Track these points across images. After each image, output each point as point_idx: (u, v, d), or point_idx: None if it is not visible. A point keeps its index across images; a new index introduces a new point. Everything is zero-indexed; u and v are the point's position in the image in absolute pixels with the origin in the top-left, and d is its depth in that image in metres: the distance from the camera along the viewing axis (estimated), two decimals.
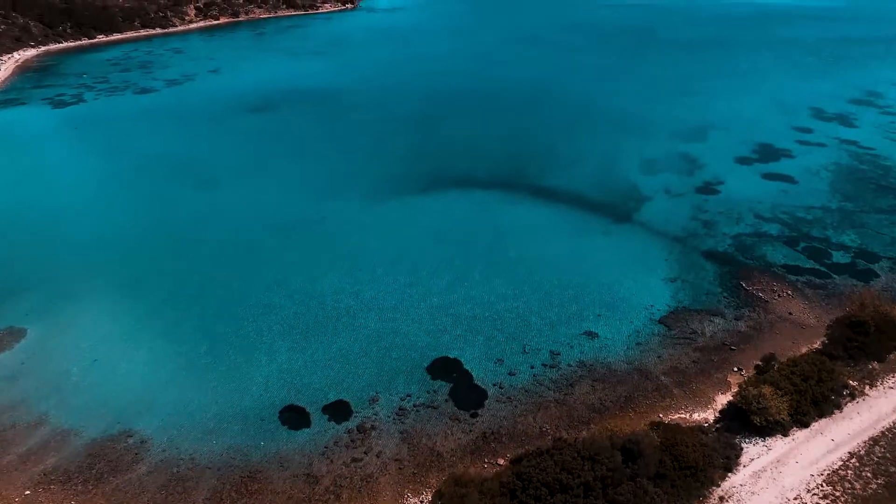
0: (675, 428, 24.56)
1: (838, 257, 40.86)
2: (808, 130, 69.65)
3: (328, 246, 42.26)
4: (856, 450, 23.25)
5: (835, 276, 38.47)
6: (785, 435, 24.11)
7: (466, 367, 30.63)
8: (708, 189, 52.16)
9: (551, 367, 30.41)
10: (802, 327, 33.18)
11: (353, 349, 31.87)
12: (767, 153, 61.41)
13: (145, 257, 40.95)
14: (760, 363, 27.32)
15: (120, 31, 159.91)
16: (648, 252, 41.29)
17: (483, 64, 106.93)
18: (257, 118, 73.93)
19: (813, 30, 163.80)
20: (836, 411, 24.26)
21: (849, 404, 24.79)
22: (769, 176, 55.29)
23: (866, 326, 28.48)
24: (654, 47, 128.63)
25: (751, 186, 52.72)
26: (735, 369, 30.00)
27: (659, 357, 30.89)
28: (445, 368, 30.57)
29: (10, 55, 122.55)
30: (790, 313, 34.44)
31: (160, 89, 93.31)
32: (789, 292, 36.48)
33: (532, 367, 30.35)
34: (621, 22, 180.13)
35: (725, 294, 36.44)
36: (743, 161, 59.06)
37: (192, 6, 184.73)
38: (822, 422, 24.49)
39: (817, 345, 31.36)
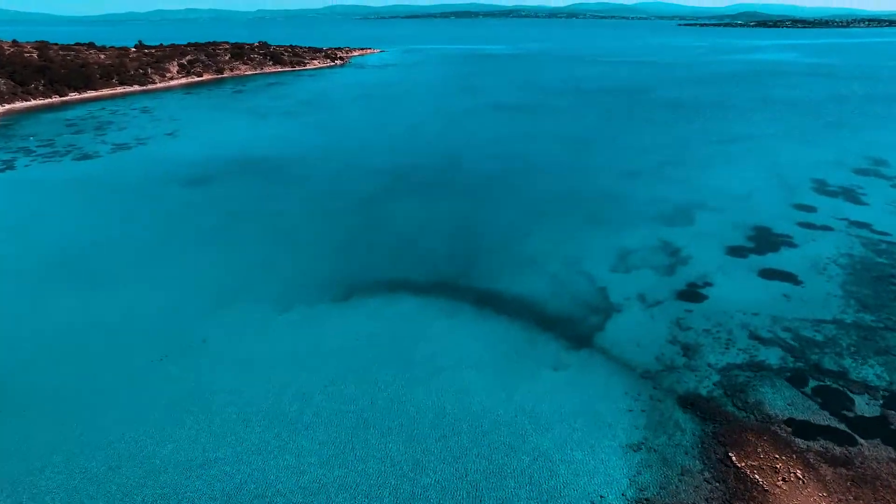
0: None
1: (862, 405, 30.77)
2: (811, 209, 60.71)
3: (193, 388, 32.51)
4: None
5: (861, 440, 28.29)
6: None
7: None
8: (692, 294, 42.58)
9: None
10: None
11: None
12: (764, 241, 52.15)
13: None
14: None
15: (95, 89, 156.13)
16: (608, 397, 31.32)
17: (453, 131, 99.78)
18: (187, 194, 65.67)
19: (809, 88, 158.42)
20: None
21: None
22: (767, 273, 45.80)
23: None
24: (640, 110, 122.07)
25: (744, 289, 43.17)
26: None
27: None
28: None
29: None
30: None
31: (103, 155, 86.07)
32: (798, 472, 26.27)
33: None
34: (610, 81, 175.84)
35: (707, 474, 26.24)
36: (735, 252, 49.73)
37: (174, 63, 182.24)
38: None
39: None
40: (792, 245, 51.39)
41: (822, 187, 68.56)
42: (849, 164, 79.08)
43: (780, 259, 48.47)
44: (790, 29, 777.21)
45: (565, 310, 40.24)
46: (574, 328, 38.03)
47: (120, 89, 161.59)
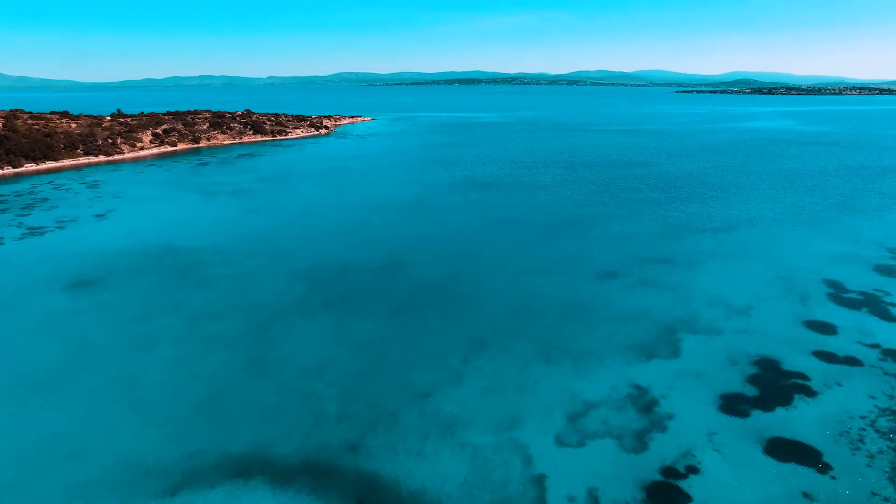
0: None
1: None
2: (830, 329, 47.98)
3: None
4: None
5: None
6: None
7: None
8: (668, 490, 29.21)
9: None
10: None
11: None
12: (772, 386, 39.12)
13: None
14: None
15: (56, 160, 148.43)
16: None
17: (409, 217, 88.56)
18: (58, 303, 53.66)
19: (811, 159, 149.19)
20: None
21: None
22: (778, 448, 32.55)
23: None
24: (630, 188, 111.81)
25: (745, 482, 29.83)
26: None
27: None
28: None
29: None
30: None
31: (6, 242, 75.08)
32: None
33: None
34: (601, 153, 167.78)
35: None
36: (733, 407, 36.63)
37: (148, 132, 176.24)
38: None
39: None
40: (810, 394, 38.30)
41: (839, 294, 56.09)
42: (868, 258, 67.03)
43: (795, 420, 35.31)
44: (784, 96, 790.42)
45: None
46: None
47: (84, 160, 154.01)
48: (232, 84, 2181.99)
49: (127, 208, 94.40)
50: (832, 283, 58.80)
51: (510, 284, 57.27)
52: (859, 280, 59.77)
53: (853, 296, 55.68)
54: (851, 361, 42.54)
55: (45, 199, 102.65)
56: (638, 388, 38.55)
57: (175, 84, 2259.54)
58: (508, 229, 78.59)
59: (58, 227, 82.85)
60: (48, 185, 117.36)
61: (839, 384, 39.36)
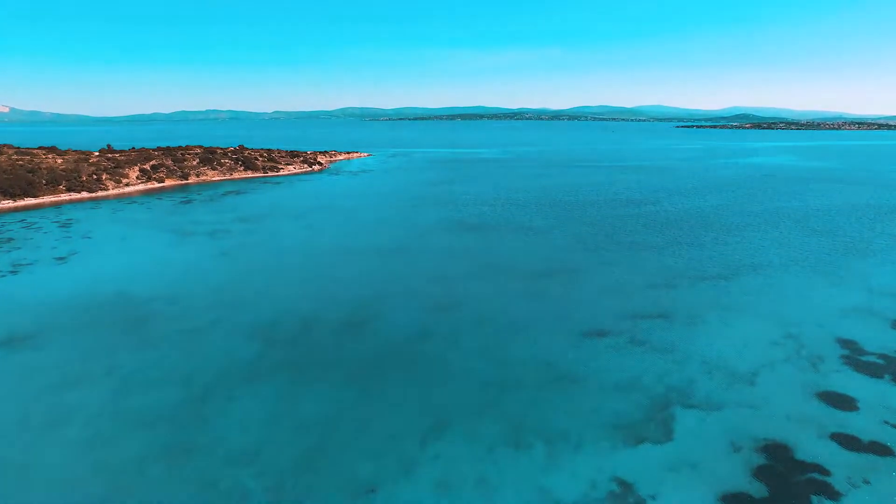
0: None
1: None
2: (848, 403, 41.75)
3: None
4: None
5: None
6: None
7: None
8: None
9: None
10: None
11: None
12: (783, 483, 32.78)
13: None
14: None
15: (36, 196, 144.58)
16: None
17: (388, 263, 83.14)
18: None
19: (814, 196, 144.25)
20: None
21: None
22: None
23: None
24: (625, 230, 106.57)
25: None
26: None
27: None
28: None
29: None
30: None
31: None
32: None
33: None
34: (597, 191, 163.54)
35: None
36: None
37: (135, 168, 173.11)
38: None
39: None
40: (831, 495, 31.86)
41: (855, 356, 49.91)
42: (884, 311, 61.03)
43: None
44: (784, 131, 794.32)
45: None
46: None
47: (66, 196, 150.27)
48: (237, 118, 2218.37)
49: (92, 250, 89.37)
50: (847, 343, 52.69)
51: (486, 346, 51.27)
52: (877, 339, 53.70)
53: (872, 359, 49.52)
54: (878, 449, 36.20)
55: (10, 240, 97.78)
56: (622, 483, 32.25)
57: (182, 118, 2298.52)
58: (493, 279, 72.86)
59: (11, 273, 77.57)
60: (19, 224, 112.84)
61: (867, 482, 32.97)
